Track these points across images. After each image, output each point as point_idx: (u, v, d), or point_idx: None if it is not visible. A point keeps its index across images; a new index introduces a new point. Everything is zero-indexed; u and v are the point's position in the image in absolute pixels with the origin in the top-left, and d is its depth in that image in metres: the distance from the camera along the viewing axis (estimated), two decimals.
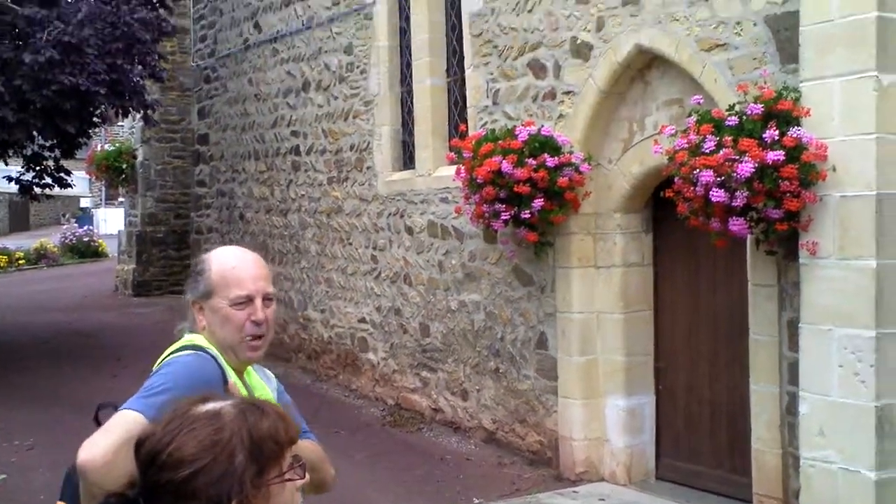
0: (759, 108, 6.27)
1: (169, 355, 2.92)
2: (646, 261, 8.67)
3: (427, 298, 10.94)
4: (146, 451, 1.96)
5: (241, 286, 2.94)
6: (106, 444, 2.52)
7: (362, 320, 12.31)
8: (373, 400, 12.04)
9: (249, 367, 3.08)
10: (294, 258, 13.99)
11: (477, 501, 8.42)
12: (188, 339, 2.98)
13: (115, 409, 2.77)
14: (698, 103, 6.88)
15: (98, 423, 2.76)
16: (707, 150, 6.36)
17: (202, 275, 2.98)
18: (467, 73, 10.12)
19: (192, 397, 2.11)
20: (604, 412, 8.76)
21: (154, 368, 2.90)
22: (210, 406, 2.00)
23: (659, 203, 8.23)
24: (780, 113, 6.22)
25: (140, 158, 20.48)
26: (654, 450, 8.76)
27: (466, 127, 9.78)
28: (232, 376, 2.91)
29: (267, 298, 2.98)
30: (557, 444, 9.01)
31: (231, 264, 2.98)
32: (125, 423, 2.57)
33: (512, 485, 8.87)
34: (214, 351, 2.93)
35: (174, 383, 2.69)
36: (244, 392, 2.85)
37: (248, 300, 2.93)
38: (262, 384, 3.10)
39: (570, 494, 8.42)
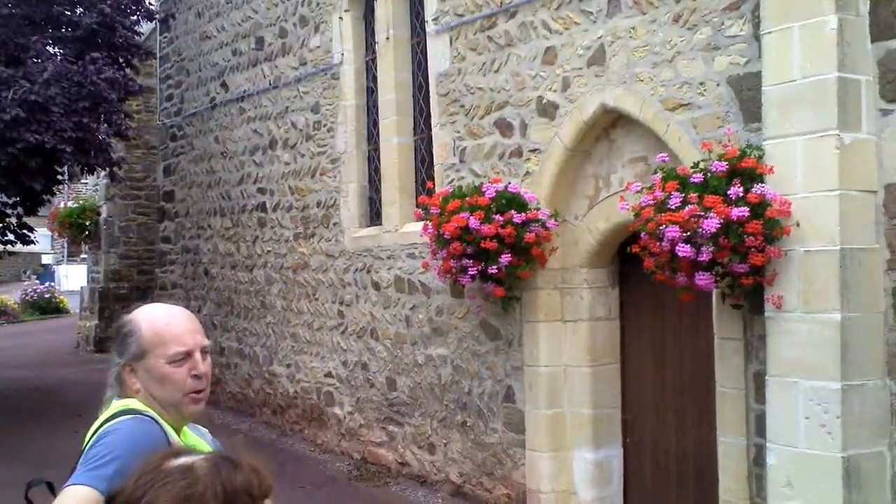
0: (723, 166, 6.41)
1: (105, 422, 2.81)
2: (612, 314, 8.77)
3: (394, 353, 10.98)
4: None
5: (179, 342, 2.88)
6: None
7: (328, 375, 12.31)
8: (339, 454, 12.00)
9: (185, 427, 3.01)
10: (259, 313, 13.99)
11: None
12: (122, 403, 2.87)
13: (48, 485, 2.72)
14: (664, 161, 7.02)
15: (28, 500, 2.71)
16: (673, 207, 6.45)
17: (132, 335, 2.89)
18: (434, 131, 10.25)
19: (163, 452, 2.09)
20: (572, 465, 8.80)
21: (89, 438, 2.80)
22: (182, 460, 1.96)
23: (625, 258, 8.34)
24: (744, 170, 6.36)
25: (104, 215, 20.45)
26: (622, 502, 8.79)
27: (433, 184, 9.87)
28: (175, 437, 2.85)
29: (203, 351, 2.95)
30: (525, 498, 9.03)
31: (164, 321, 2.92)
32: (76, 500, 2.51)
33: None
34: (153, 413, 2.85)
35: (120, 451, 2.61)
36: None
37: (187, 355, 2.89)
38: (199, 440, 3.02)
39: None
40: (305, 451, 12.41)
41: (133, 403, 2.85)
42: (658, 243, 6.57)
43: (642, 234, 6.80)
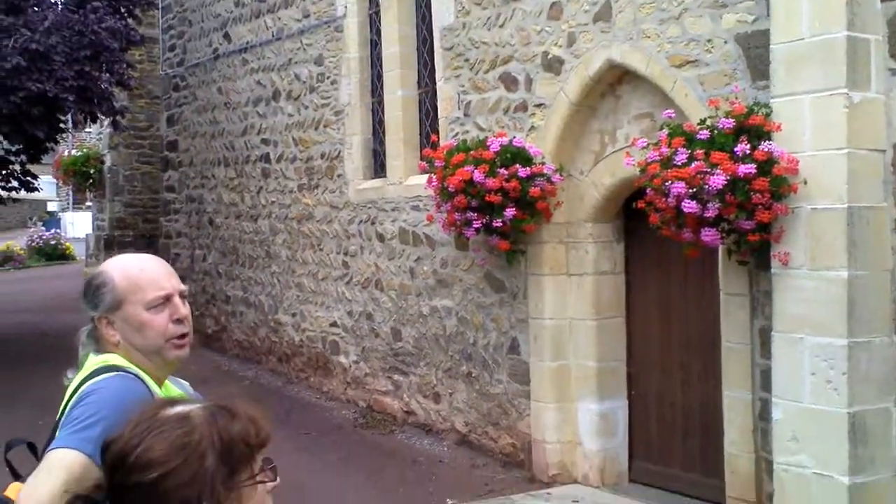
0: (730, 123, 6.41)
1: (85, 381, 2.66)
2: (617, 269, 8.78)
3: (399, 304, 11.03)
4: (114, 453, 1.92)
5: (156, 287, 2.77)
6: (48, 492, 2.33)
7: (333, 324, 12.38)
8: (344, 402, 12.09)
9: (167, 381, 2.89)
10: (264, 263, 14.03)
11: (451, 502, 8.44)
12: (101, 360, 2.73)
13: (29, 445, 2.62)
14: (670, 117, 7.00)
15: (8, 462, 2.62)
16: (679, 163, 6.45)
17: (105, 286, 2.76)
18: (438, 84, 10.21)
19: (159, 401, 2.09)
20: (576, 416, 8.85)
21: (69, 398, 2.67)
22: (178, 409, 1.96)
23: (630, 213, 8.34)
24: (752, 127, 6.36)
25: (108, 164, 20.38)
26: (626, 453, 8.86)
27: (438, 137, 9.86)
28: (158, 392, 2.72)
29: (182, 296, 2.84)
30: (530, 447, 9.12)
31: (137, 267, 2.80)
32: (63, 464, 2.39)
33: (485, 486, 8.93)
34: (135, 369, 2.71)
35: (106, 410, 2.45)
36: None
37: (167, 300, 2.77)
38: (182, 393, 2.84)
39: (543, 496, 8.51)
40: (311, 398, 12.50)
41: (113, 359, 2.73)
42: (664, 199, 6.58)
43: (648, 190, 6.79)
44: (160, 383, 2.81)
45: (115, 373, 2.65)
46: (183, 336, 2.81)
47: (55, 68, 12.85)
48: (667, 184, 6.46)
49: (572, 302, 8.82)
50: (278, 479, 2.04)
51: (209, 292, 15.78)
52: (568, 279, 8.83)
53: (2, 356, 15.06)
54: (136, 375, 2.68)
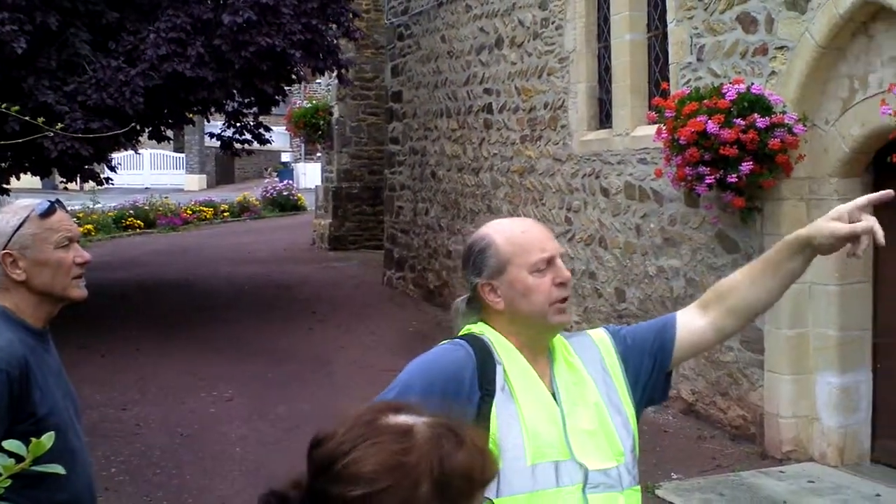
0: None
1: None
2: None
3: (623, 262, 10.58)
4: (322, 453, 1.72)
5: (541, 249, 2.72)
6: None
7: None
8: None
9: (556, 348, 2.81)
10: (486, 217, 13.74)
11: (675, 477, 8.05)
12: (465, 329, 2.79)
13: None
14: None
15: None
16: None
17: (489, 249, 2.74)
18: (670, 27, 9.64)
19: (382, 404, 1.83)
20: (814, 389, 8.25)
21: None
22: (402, 419, 1.73)
23: (882, 168, 7.63)
24: None
25: (336, 115, 20.74)
26: (869, 431, 8.20)
27: (668, 85, 9.37)
28: (504, 361, 2.68)
29: (561, 258, 2.80)
30: (762, 421, 8.57)
31: (519, 230, 2.77)
32: None
33: (713, 460, 8.52)
34: (491, 336, 2.72)
35: (406, 376, 2.63)
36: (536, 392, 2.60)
37: (549, 262, 2.71)
38: (578, 370, 2.79)
39: (775, 474, 8.00)
40: None
41: (476, 327, 2.76)
42: None
43: None
44: (535, 353, 2.76)
45: (450, 341, 2.73)
46: (564, 300, 2.76)
47: (284, 22, 13.03)
48: None
49: (813, 265, 8.05)
50: None
51: (431, 247, 15.76)
52: None
53: (238, 307, 15.54)
54: (468, 344, 2.70)
